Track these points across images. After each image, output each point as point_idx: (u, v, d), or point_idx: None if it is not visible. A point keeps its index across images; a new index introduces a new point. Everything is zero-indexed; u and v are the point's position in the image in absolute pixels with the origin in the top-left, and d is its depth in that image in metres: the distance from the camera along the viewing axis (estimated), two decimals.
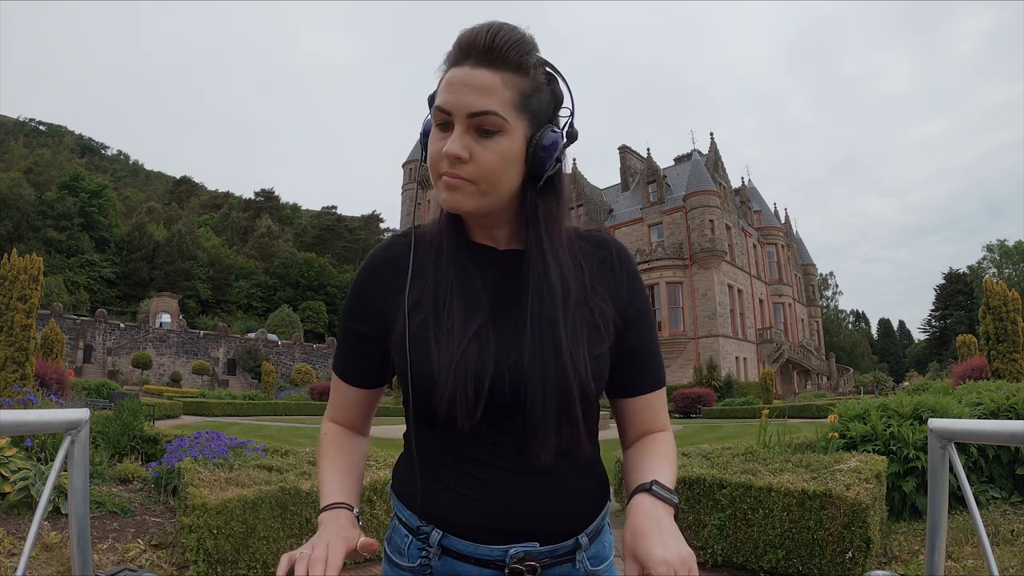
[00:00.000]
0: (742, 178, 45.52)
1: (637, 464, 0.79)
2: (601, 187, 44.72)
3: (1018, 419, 4.30)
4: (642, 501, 0.68)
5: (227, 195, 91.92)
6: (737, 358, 35.56)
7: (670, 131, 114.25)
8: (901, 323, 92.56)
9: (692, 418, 23.56)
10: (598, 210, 41.02)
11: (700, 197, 35.47)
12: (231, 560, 3.03)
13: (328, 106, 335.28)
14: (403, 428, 0.86)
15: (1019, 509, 3.86)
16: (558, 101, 0.78)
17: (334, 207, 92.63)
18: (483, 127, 0.72)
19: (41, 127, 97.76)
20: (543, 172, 0.76)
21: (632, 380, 0.83)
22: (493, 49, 0.72)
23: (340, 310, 0.88)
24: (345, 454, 0.85)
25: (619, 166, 43.82)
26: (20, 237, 50.37)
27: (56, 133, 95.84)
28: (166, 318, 45.54)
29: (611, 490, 0.88)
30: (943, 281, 71.32)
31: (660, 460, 0.78)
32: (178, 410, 18.11)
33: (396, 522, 0.82)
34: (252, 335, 48.29)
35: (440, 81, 0.75)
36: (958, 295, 67.35)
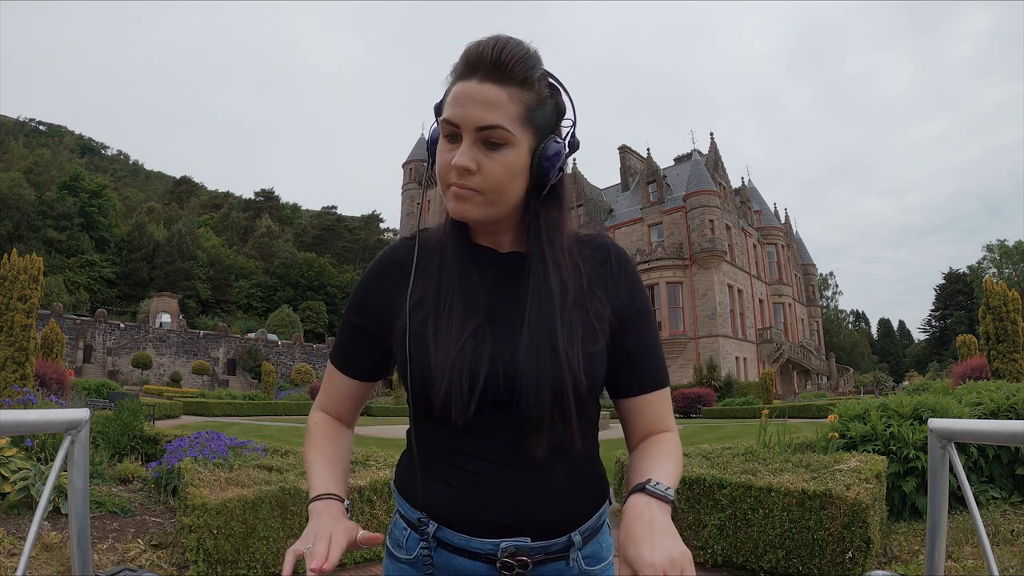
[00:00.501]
0: (742, 178, 45.57)
1: (639, 464, 0.79)
2: (601, 187, 44.72)
3: (1018, 419, 4.30)
4: (636, 502, 0.67)
5: (227, 195, 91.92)
6: (737, 358, 35.56)
7: (670, 131, 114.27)
8: (901, 323, 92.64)
9: (692, 418, 23.56)
10: (598, 210, 41.01)
11: (700, 197, 35.47)
12: (231, 560, 3.03)
13: (328, 106, 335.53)
14: (403, 428, 0.88)
15: (1019, 509, 3.86)
16: (561, 112, 0.81)
17: (334, 207, 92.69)
18: (490, 140, 0.75)
19: (41, 127, 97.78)
20: (547, 181, 0.79)
21: (632, 380, 0.84)
22: (500, 65, 0.74)
23: (344, 303, 0.91)
24: (334, 445, 0.87)
25: (619, 166, 43.82)
26: (20, 237, 50.37)
27: (56, 133, 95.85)
28: (166, 318, 45.53)
29: (611, 490, 0.89)
30: (943, 281, 71.33)
31: (662, 459, 0.78)
32: (178, 410, 18.11)
33: (397, 516, 0.85)
34: (252, 335, 48.30)
35: (447, 93, 0.78)
36: (958, 295, 67.34)
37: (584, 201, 41.25)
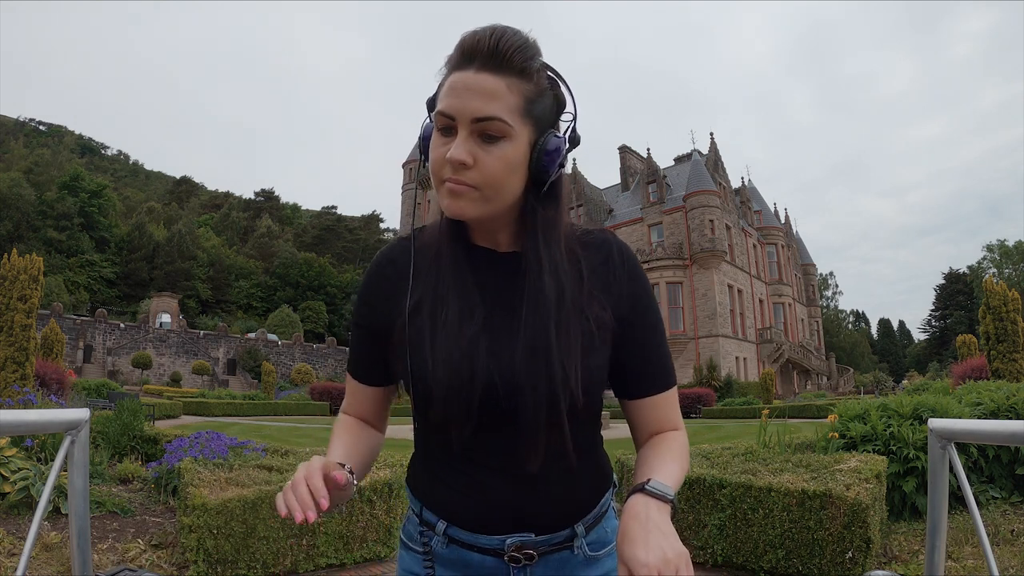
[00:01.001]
0: (742, 178, 45.57)
1: (644, 463, 0.79)
2: (601, 187, 44.71)
3: (1018, 419, 4.30)
4: (634, 502, 0.67)
5: (227, 195, 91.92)
6: (737, 358, 35.55)
7: (670, 131, 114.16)
8: (901, 323, 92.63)
9: (692, 418, 23.56)
10: (598, 210, 41.01)
11: (700, 197, 35.46)
12: (231, 560, 3.03)
13: (328, 106, 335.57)
14: (408, 428, 0.91)
15: (1019, 509, 3.86)
16: (561, 106, 0.78)
17: (334, 207, 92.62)
18: (487, 132, 0.72)
19: (41, 127, 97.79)
20: (546, 178, 0.76)
21: (639, 383, 0.83)
22: (498, 54, 0.71)
23: (345, 303, 0.90)
24: (353, 434, 0.87)
25: (619, 166, 43.82)
26: (20, 237, 50.37)
27: (56, 133, 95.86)
28: (166, 318, 45.53)
29: (614, 477, 0.90)
30: (943, 281, 71.31)
31: (666, 458, 0.77)
32: (178, 410, 18.11)
33: (410, 512, 0.87)
34: (252, 335, 48.29)
35: (441, 84, 0.75)
36: (958, 295, 67.33)
37: (584, 201, 41.24)
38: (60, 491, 3.34)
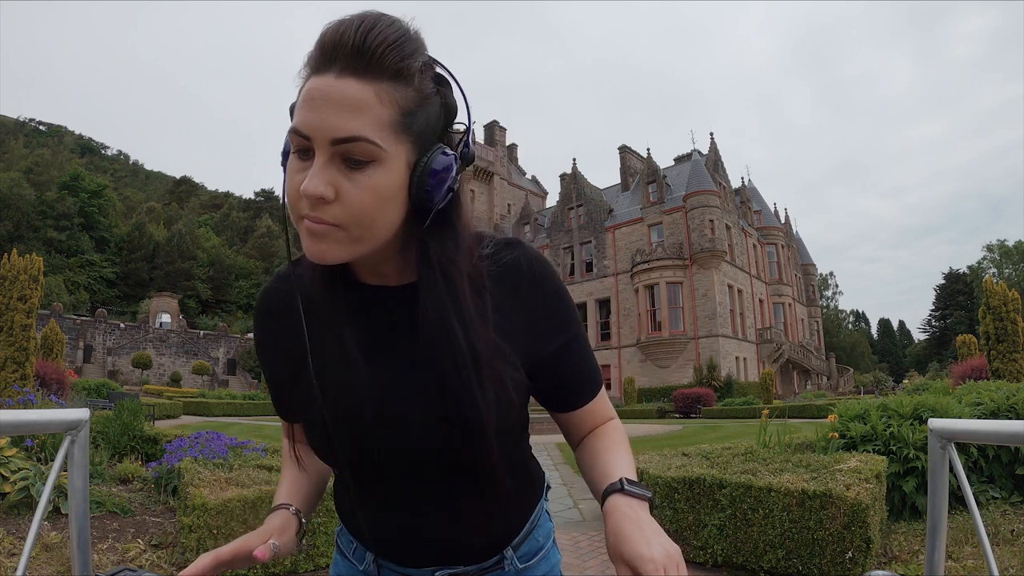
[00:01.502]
0: (742, 178, 45.54)
1: (596, 459, 0.75)
2: (601, 187, 44.70)
3: (1018, 419, 4.30)
4: (619, 503, 0.64)
5: (227, 195, 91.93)
6: (737, 358, 35.54)
7: (670, 131, 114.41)
8: (901, 323, 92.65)
9: (692, 418, 23.56)
10: (598, 210, 41.01)
11: (700, 197, 35.45)
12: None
13: None
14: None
15: (1019, 509, 3.86)
16: (451, 114, 0.64)
17: None
18: (351, 156, 0.57)
19: (41, 127, 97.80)
20: (431, 206, 0.62)
21: (571, 399, 0.78)
22: (364, 51, 0.57)
23: None
24: (295, 465, 0.82)
25: (619, 166, 43.80)
26: (20, 237, 50.37)
27: (56, 133, 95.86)
28: (166, 318, 45.53)
29: (548, 480, 0.90)
30: (943, 281, 71.30)
31: (619, 453, 0.74)
32: (178, 410, 18.13)
33: (342, 524, 0.86)
34: (252, 335, 48.24)
35: (299, 92, 0.60)
36: (958, 295, 67.32)
37: (584, 201, 41.24)
38: (60, 491, 3.34)
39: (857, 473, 3.29)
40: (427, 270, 0.65)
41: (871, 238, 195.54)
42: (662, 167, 40.65)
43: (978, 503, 3.68)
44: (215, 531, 2.99)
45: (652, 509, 0.65)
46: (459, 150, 0.65)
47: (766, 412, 5.26)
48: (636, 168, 42.77)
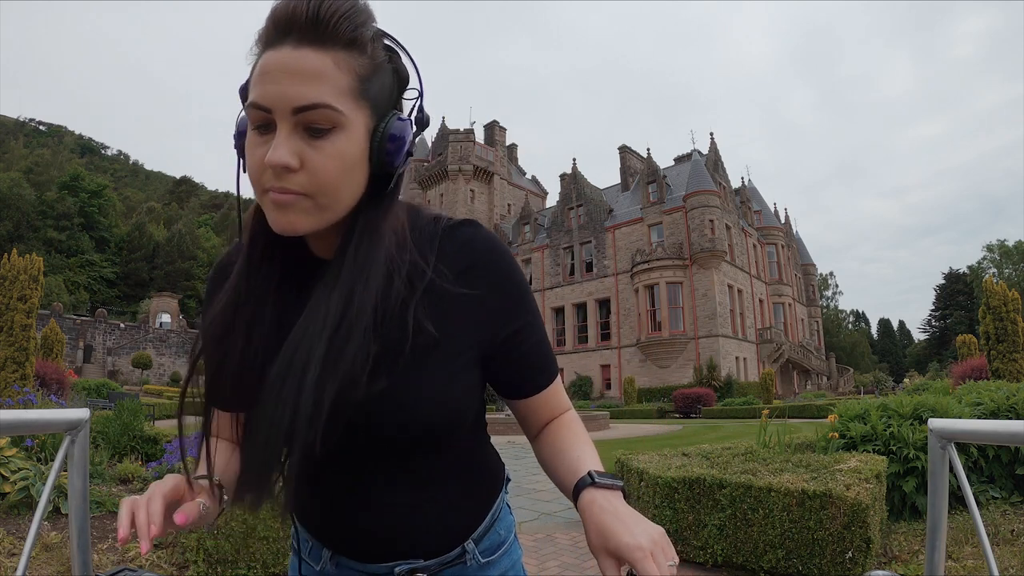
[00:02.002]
0: (742, 178, 45.56)
1: (558, 454, 0.74)
2: (601, 187, 44.72)
3: (1018, 419, 4.31)
4: (594, 497, 0.63)
5: (227, 195, 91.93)
6: (737, 358, 35.56)
7: (670, 131, 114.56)
8: (901, 323, 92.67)
9: (692, 418, 23.57)
10: (598, 210, 41.02)
11: (700, 197, 35.46)
12: (231, 560, 3.03)
13: None
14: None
15: (1019, 509, 3.86)
16: (403, 82, 0.65)
17: None
18: (313, 125, 0.58)
19: (41, 127, 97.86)
20: (392, 170, 0.63)
21: (526, 384, 0.76)
22: (319, 22, 0.57)
23: None
24: (225, 447, 0.76)
25: (619, 166, 43.82)
26: (20, 237, 50.39)
27: (56, 133, 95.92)
28: (166, 318, 45.54)
29: (505, 468, 0.88)
30: (943, 281, 71.32)
31: (582, 447, 0.73)
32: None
33: (298, 522, 0.80)
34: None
35: (253, 69, 0.60)
36: (958, 295, 67.34)
37: (584, 201, 41.25)
38: (60, 491, 3.34)
39: (857, 473, 3.29)
40: (349, 234, 0.64)
41: (871, 238, 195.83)
42: (662, 167, 40.67)
43: (978, 503, 3.68)
44: (215, 531, 2.99)
45: (625, 498, 0.64)
46: (412, 115, 0.66)
47: (766, 412, 5.27)
48: (636, 168, 42.79)
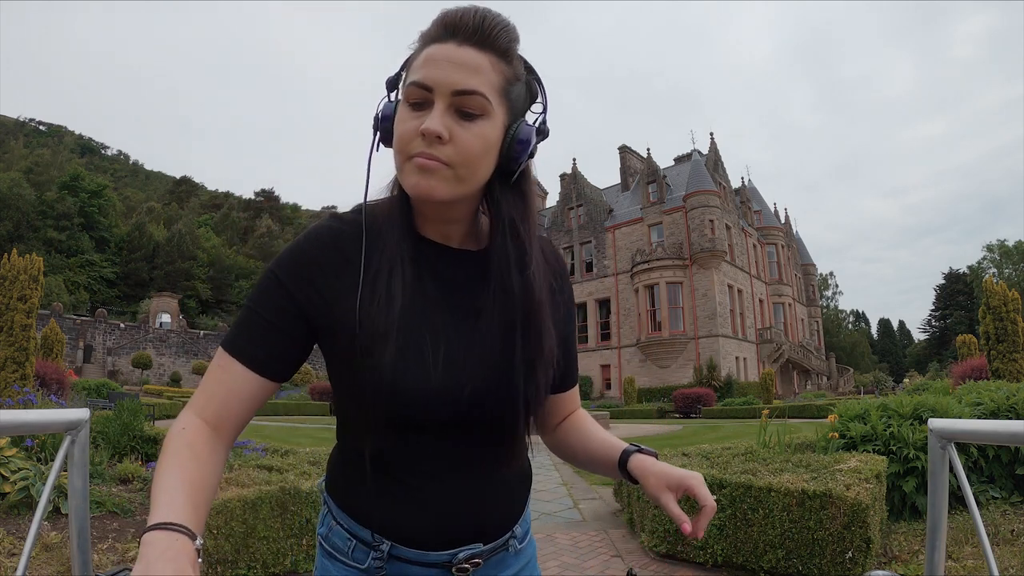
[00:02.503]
0: (742, 178, 45.54)
1: (589, 436, 0.87)
2: (601, 187, 44.69)
3: (1018, 419, 4.30)
4: (643, 458, 0.77)
5: (227, 195, 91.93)
6: (737, 358, 35.54)
7: (670, 131, 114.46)
8: (901, 323, 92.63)
9: (692, 418, 23.57)
10: (598, 210, 41.01)
11: (700, 197, 35.45)
12: (231, 560, 3.03)
13: (328, 105, 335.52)
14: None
15: (1019, 509, 3.86)
16: (532, 97, 0.75)
17: (334, 207, 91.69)
18: (465, 108, 0.67)
19: (41, 127, 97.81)
20: (515, 166, 0.73)
21: (567, 378, 0.89)
22: (482, 30, 0.68)
23: (262, 276, 0.77)
24: (201, 464, 0.64)
25: (619, 166, 43.79)
26: (20, 237, 50.38)
27: (56, 133, 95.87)
28: (166, 318, 45.52)
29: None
30: (943, 281, 71.30)
31: (604, 431, 0.88)
32: (178, 410, 18.07)
33: (333, 522, 0.80)
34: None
35: (411, 59, 0.71)
36: (958, 295, 67.31)
37: (584, 201, 41.24)
38: (60, 491, 3.34)
39: (857, 473, 3.29)
40: (501, 223, 0.74)
41: (871, 238, 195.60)
42: (662, 167, 40.65)
43: (978, 503, 3.68)
44: (215, 531, 2.99)
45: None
46: (536, 125, 0.75)
47: (766, 412, 5.27)
48: (636, 168, 42.77)
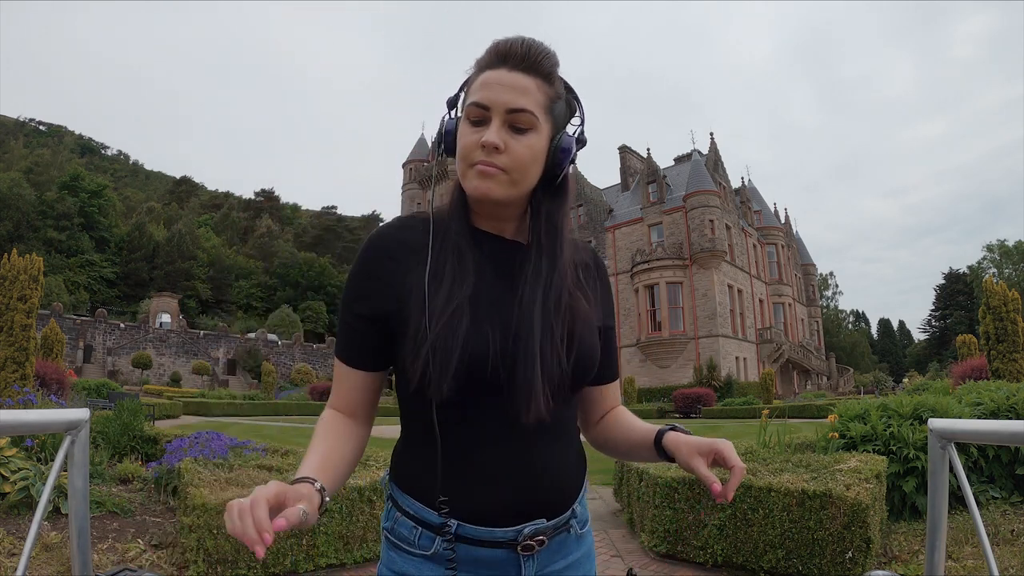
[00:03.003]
0: (742, 178, 45.55)
1: (632, 425, 0.95)
2: (601, 187, 44.69)
3: (1018, 419, 4.30)
4: (675, 435, 0.84)
5: (227, 195, 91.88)
6: (737, 358, 35.54)
7: (670, 131, 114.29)
8: (901, 323, 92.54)
9: (692, 418, 23.56)
10: (598, 210, 41.01)
11: (700, 197, 35.45)
12: (231, 560, 3.03)
13: (328, 106, 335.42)
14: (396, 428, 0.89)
15: (1019, 509, 3.86)
16: (571, 112, 0.87)
17: (334, 207, 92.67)
18: (517, 124, 0.80)
19: (41, 127, 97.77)
20: (559, 172, 0.85)
21: (609, 370, 0.97)
22: (529, 57, 0.81)
23: (345, 284, 0.88)
24: (333, 438, 0.83)
25: (619, 166, 43.79)
26: (20, 237, 50.36)
27: (56, 133, 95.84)
28: (166, 318, 45.51)
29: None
30: (943, 281, 71.26)
31: (644, 423, 0.95)
32: (178, 410, 18.12)
33: (398, 514, 0.84)
34: (252, 335, 48.26)
35: (468, 82, 0.85)
36: (958, 295, 67.29)
37: (584, 201, 41.21)
38: (60, 491, 3.34)
39: (857, 473, 3.29)
40: (537, 222, 0.86)
41: (871, 238, 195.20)
42: (662, 167, 40.65)
43: (978, 503, 3.68)
44: (215, 531, 2.99)
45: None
46: (575, 137, 0.87)
47: (766, 412, 5.27)
48: (636, 168, 42.77)
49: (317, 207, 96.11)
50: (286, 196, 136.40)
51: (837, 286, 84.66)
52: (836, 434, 4.36)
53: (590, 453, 0.98)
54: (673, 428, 0.85)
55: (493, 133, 0.79)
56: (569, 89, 0.87)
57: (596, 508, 5.41)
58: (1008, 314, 9.01)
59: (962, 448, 3.91)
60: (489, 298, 0.83)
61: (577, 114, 0.88)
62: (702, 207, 35.26)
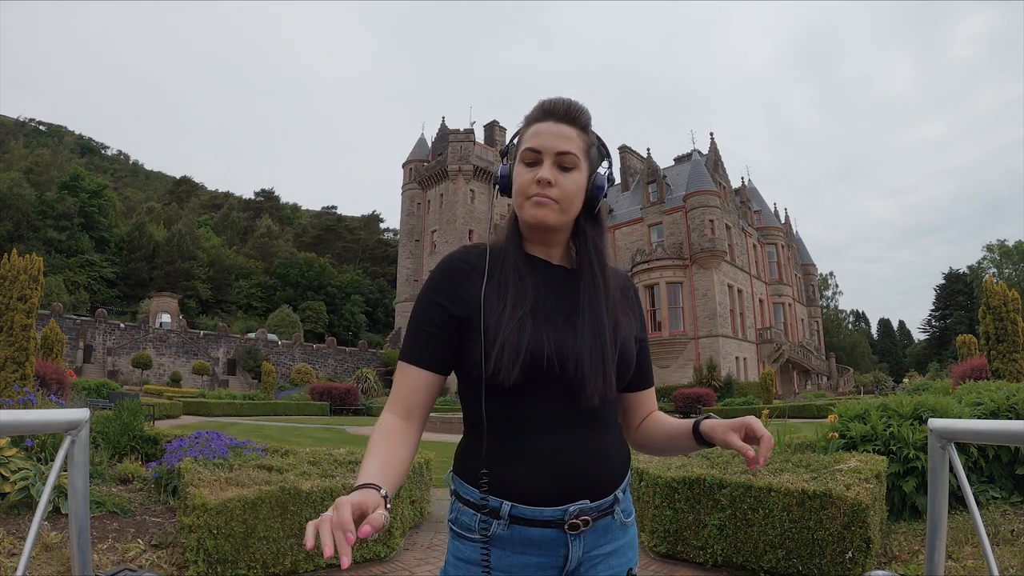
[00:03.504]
0: (742, 178, 45.56)
1: (669, 423, 1.09)
2: None
3: (1018, 419, 4.30)
4: (711, 422, 0.98)
5: (227, 195, 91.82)
6: (737, 358, 35.53)
7: (670, 131, 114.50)
8: (901, 323, 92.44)
9: (692, 418, 23.55)
10: None
11: (700, 197, 35.45)
12: (231, 560, 3.03)
13: (328, 106, 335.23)
14: (441, 435, 0.95)
15: (1019, 509, 3.86)
16: (602, 157, 1.06)
17: (334, 207, 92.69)
18: (563, 164, 1.00)
19: (41, 127, 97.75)
20: (596, 204, 1.05)
21: (641, 380, 1.12)
22: (570, 112, 1.02)
23: (417, 299, 1.03)
24: (393, 443, 0.92)
25: (619, 166, 43.81)
26: (20, 237, 50.35)
27: (56, 133, 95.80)
28: (166, 318, 45.50)
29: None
30: (943, 281, 71.22)
31: (678, 419, 1.08)
32: (178, 410, 18.10)
33: (460, 504, 0.97)
34: (252, 335, 48.24)
35: (520, 133, 1.05)
36: (958, 295, 67.25)
37: None
38: (60, 491, 3.34)
39: (857, 473, 3.29)
40: (584, 245, 1.06)
41: (871, 238, 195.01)
42: (662, 167, 40.64)
43: (978, 503, 3.68)
44: (215, 531, 2.99)
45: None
46: (607, 175, 1.06)
47: (766, 412, 5.27)
48: (636, 168, 42.77)
49: (317, 207, 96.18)
50: (286, 196, 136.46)
51: (837, 286, 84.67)
52: (836, 434, 4.36)
53: None
54: (708, 416, 1.00)
55: (546, 170, 0.98)
56: (599, 139, 1.06)
57: None
58: (1008, 314, 9.01)
59: (962, 448, 3.91)
60: (544, 309, 0.99)
61: (606, 158, 1.06)
62: (702, 207, 35.26)
